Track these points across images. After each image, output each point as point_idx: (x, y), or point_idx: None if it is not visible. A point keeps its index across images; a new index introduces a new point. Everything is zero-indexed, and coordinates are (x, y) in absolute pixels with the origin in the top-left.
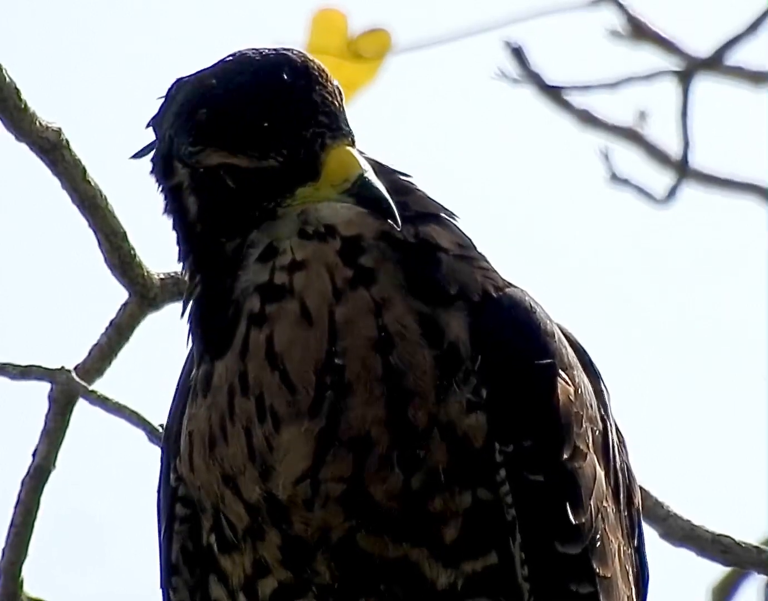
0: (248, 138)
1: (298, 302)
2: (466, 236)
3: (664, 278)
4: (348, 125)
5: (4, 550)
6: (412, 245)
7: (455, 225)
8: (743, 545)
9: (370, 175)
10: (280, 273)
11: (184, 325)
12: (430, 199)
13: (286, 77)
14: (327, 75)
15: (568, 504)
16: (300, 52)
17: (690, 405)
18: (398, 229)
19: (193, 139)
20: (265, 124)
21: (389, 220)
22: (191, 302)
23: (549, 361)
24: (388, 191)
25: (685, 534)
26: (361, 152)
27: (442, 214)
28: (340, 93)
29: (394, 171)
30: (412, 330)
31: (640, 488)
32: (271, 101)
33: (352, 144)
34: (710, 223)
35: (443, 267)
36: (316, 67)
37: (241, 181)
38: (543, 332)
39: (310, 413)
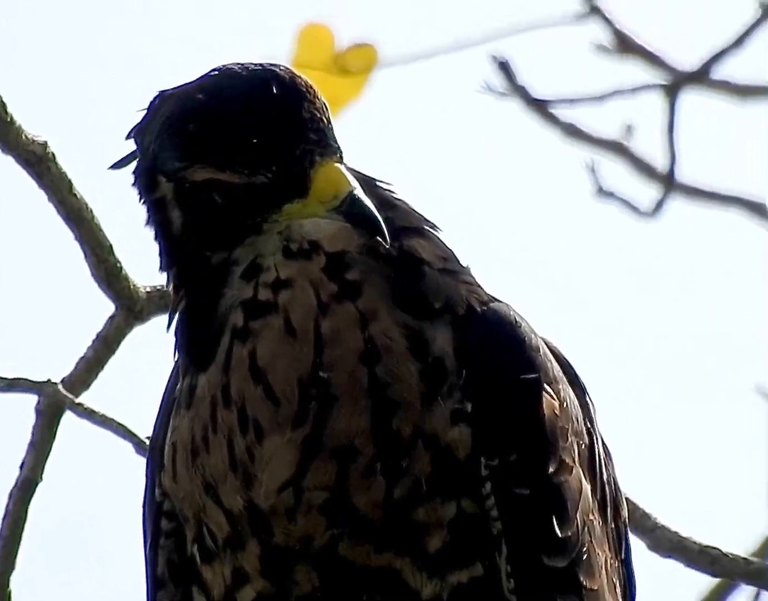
0: (237, 154)
1: (282, 317)
2: (450, 249)
3: (651, 291)
4: (336, 141)
5: None
6: (397, 259)
7: (439, 238)
8: (731, 556)
9: (359, 192)
10: (264, 290)
11: (170, 337)
12: (414, 211)
13: (275, 93)
14: (315, 91)
15: (554, 517)
16: (287, 67)
17: (676, 417)
18: (387, 247)
19: (181, 153)
20: (255, 141)
21: (378, 238)
22: (177, 315)
23: (534, 375)
24: (376, 207)
25: (672, 546)
26: (348, 167)
27: (426, 227)
28: (327, 109)
29: (377, 183)
30: (399, 343)
31: (628, 500)
32: (260, 117)
33: (341, 160)
34: (696, 237)
35: (427, 281)
36: (303, 83)
37: (229, 197)
38: (528, 347)
39: (294, 423)
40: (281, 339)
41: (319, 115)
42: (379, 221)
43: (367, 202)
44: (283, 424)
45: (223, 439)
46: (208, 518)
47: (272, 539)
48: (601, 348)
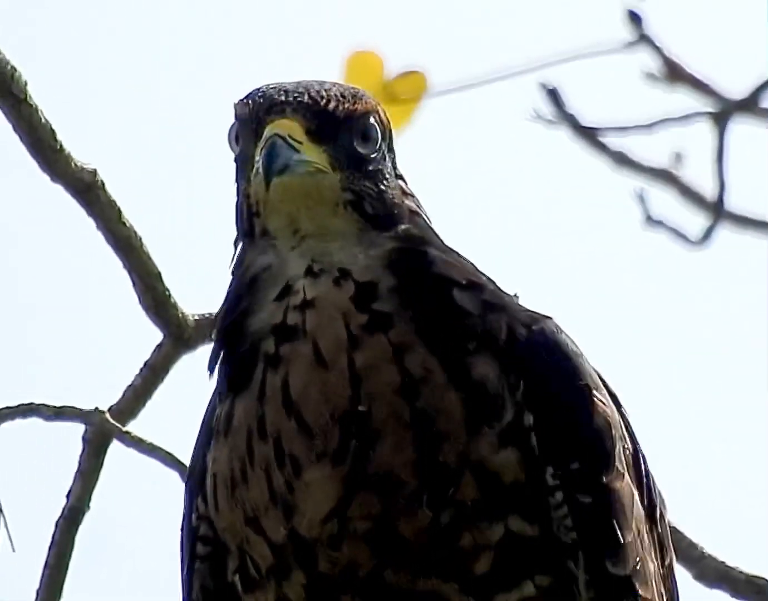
0: (242, 127)
1: (311, 343)
2: (486, 276)
3: (700, 320)
4: (324, 124)
5: (38, 591)
6: (430, 288)
7: (470, 262)
8: None
9: (280, 139)
10: (293, 313)
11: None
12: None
13: (318, 81)
14: (351, 97)
15: (616, 524)
16: (347, 88)
17: (724, 448)
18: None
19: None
20: (260, 95)
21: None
22: (214, 337)
23: (585, 382)
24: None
25: (718, 575)
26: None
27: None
28: (351, 117)
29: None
30: (437, 373)
31: (674, 529)
32: (276, 91)
33: (310, 133)
34: (746, 265)
35: (462, 311)
36: (347, 90)
37: (235, 174)
38: (574, 353)
39: (334, 459)
40: (312, 368)
41: (323, 100)
42: (269, 173)
43: (281, 150)
44: (321, 459)
45: (261, 472)
46: (251, 548)
47: (317, 568)
48: (650, 375)
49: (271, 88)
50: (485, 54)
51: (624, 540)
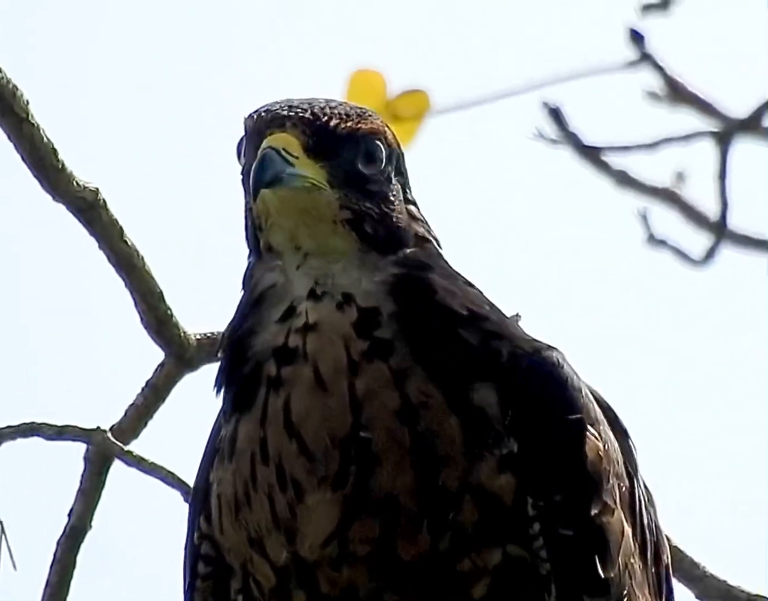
0: (249, 139)
1: (311, 366)
2: (488, 300)
3: (703, 339)
4: (324, 141)
5: None
6: (431, 316)
7: (476, 290)
8: None
9: (273, 151)
10: (294, 336)
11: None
12: (449, 267)
13: (328, 99)
14: (356, 116)
15: (597, 558)
16: (353, 108)
17: (726, 467)
18: (250, 202)
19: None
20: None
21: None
22: (220, 355)
23: (577, 416)
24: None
25: (721, 594)
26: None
27: (461, 279)
28: (353, 136)
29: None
30: (436, 398)
31: (676, 548)
32: (280, 107)
33: (309, 151)
34: (748, 285)
35: (463, 337)
36: (353, 109)
37: (241, 187)
38: (571, 387)
39: (334, 484)
40: (313, 392)
41: (325, 118)
42: (257, 183)
43: (272, 162)
44: (322, 483)
45: (264, 496)
46: (254, 568)
47: (318, 589)
48: (654, 394)
49: (278, 103)
50: (487, 73)
51: (605, 573)
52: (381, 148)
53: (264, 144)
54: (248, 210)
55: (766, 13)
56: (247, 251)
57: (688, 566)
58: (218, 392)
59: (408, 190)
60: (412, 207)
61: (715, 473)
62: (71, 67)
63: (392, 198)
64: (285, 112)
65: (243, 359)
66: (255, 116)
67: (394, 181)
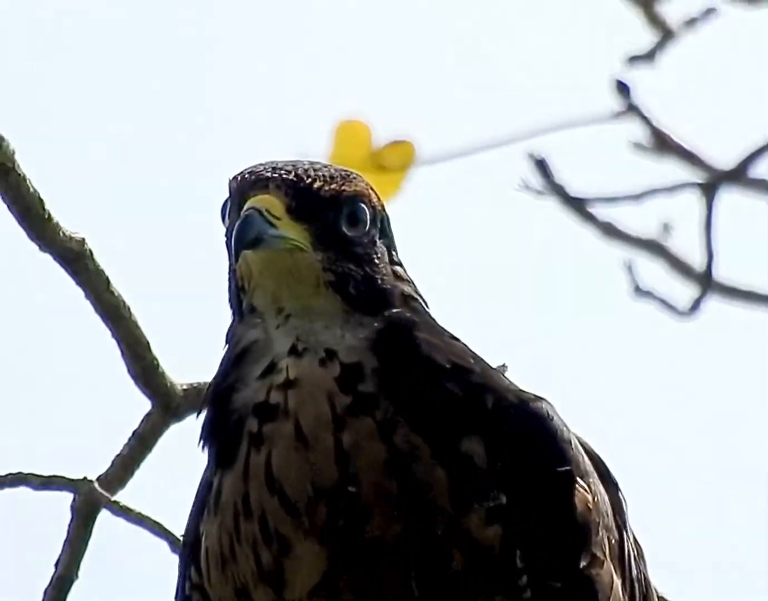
0: (233, 200)
1: (293, 422)
2: (472, 351)
3: (689, 390)
4: (307, 203)
5: None
6: (413, 371)
7: (461, 344)
8: None
9: (256, 211)
10: (275, 392)
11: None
12: (430, 319)
13: (313, 162)
14: (340, 179)
15: None
16: (330, 167)
17: (718, 520)
18: (233, 264)
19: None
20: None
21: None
22: (204, 411)
23: (566, 468)
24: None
25: None
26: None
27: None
28: (337, 199)
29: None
30: (422, 449)
31: (663, 599)
32: (275, 162)
33: (292, 213)
34: (734, 335)
35: (446, 388)
36: (337, 171)
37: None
38: (559, 439)
39: (322, 536)
40: (294, 448)
41: (308, 180)
42: (239, 244)
43: (254, 223)
44: (309, 535)
45: (248, 550)
46: None
47: None
48: (641, 445)
49: (262, 165)
50: (473, 124)
51: None
52: (365, 211)
53: (247, 205)
54: (231, 272)
55: (751, 65)
56: (230, 312)
57: None
58: (203, 447)
59: (394, 252)
60: (398, 268)
61: (708, 524)
62: (56, 116)
63: (377, 260)
64: (268, 174)
65: (226, 415)
66: (239, 178)
67: (378, 243)
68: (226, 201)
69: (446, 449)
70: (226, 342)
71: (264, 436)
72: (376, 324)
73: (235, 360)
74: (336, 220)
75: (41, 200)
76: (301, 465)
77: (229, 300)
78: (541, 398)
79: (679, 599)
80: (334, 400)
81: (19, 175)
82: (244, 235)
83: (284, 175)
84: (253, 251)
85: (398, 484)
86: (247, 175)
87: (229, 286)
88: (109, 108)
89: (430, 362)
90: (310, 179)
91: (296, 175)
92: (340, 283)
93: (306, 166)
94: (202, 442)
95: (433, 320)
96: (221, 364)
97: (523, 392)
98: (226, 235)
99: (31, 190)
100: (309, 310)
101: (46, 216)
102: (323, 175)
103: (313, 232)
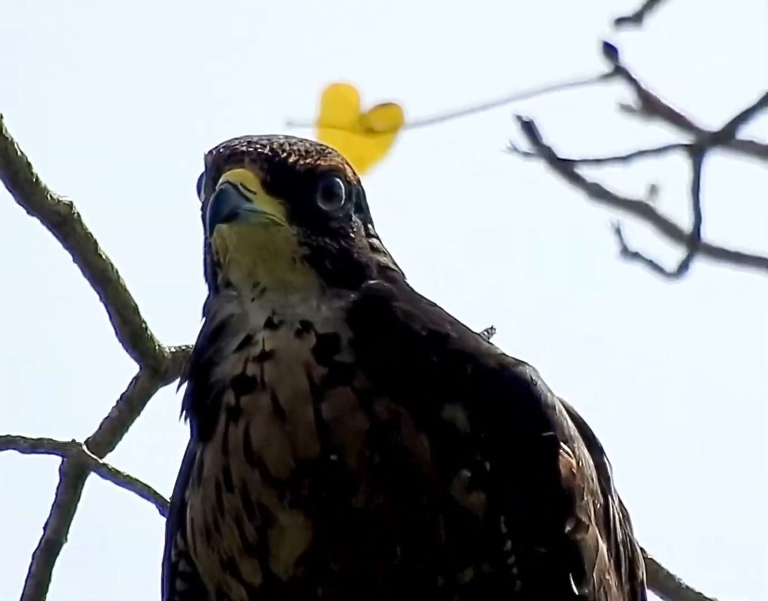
0: (208, 175)
1: (269, 395)
2: (453, 320)
3: (676, 352)
4: (282, 177)
5: None
6: (390, 340)
7: (439, 310)
8: None
9: (230, 185)
10: (252, 365)
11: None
12: (407, 286)
13: (288, 136)
14: (315, 153)
15: (571, 575)
16: (305, 141)
17: (702, 478)
18: (208, 236)
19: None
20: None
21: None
22: (183, 386)
23: (550, 433)
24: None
25: None
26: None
27: (424, 300)
28: (312, 173)
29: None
30: (404, 416)
31: (651, 560)
32: (250, 136)
33: (268, 188)
34: (722, 297)
35: (423, 355)
36: (312, 146)
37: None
38: (543, 405)
39: (306, 507)
40: (271, 420)
41: (283, 155)
42: (214, 218)
43: (229, 197)
44: (293, 506)
45: (232, 522)
46: (229, 590)
47: None
48: (625, 408)
49: (237, 139)
50: (461, 86)
51: (579, 590)
52: (340, 185)
53: (222, 179)
54: (207, 246)
55: (739, 27)
56: (206, 286)
57: (663, 578)
58: (185, 419)
59: (370, 225)
60: (374, 240)
61: (692, 483)
62: (44, 81)
63: (352, 234)
64: (243, 148)
65: (205, 389)
66: (214, 152)
67: (354, 217)
68: (201, 175)
69: (428, 417)
70: (203, 316)
71: (241, 408)
72: (352, 296)
73: (212, 334)
74: (311, 194)
75: (29, 164)
76: (280, 438)
77: (205, 274)
78: (523, 363)
79: (668, 561)
80: (311, 371)
81: (7, 139)
82: (219, 209)
83: (259, 150)
84: (228, 226)
85: (380, 453)
86: (222, 150)
87: (205, 260)
88: (98, 71)
89: (406, 329)
90: (285, 154)
91: (271, 149)
92: (315, 258)
93: (281, 141)
94: (183, 415)
95: (411, 288)
96: (198, 338)
97: (505, 356)
98: (201, 209)
99: (19, 153)
100: (285, 284)
101: (34, 180)
102: (298, 150)
103: (288, 206)
